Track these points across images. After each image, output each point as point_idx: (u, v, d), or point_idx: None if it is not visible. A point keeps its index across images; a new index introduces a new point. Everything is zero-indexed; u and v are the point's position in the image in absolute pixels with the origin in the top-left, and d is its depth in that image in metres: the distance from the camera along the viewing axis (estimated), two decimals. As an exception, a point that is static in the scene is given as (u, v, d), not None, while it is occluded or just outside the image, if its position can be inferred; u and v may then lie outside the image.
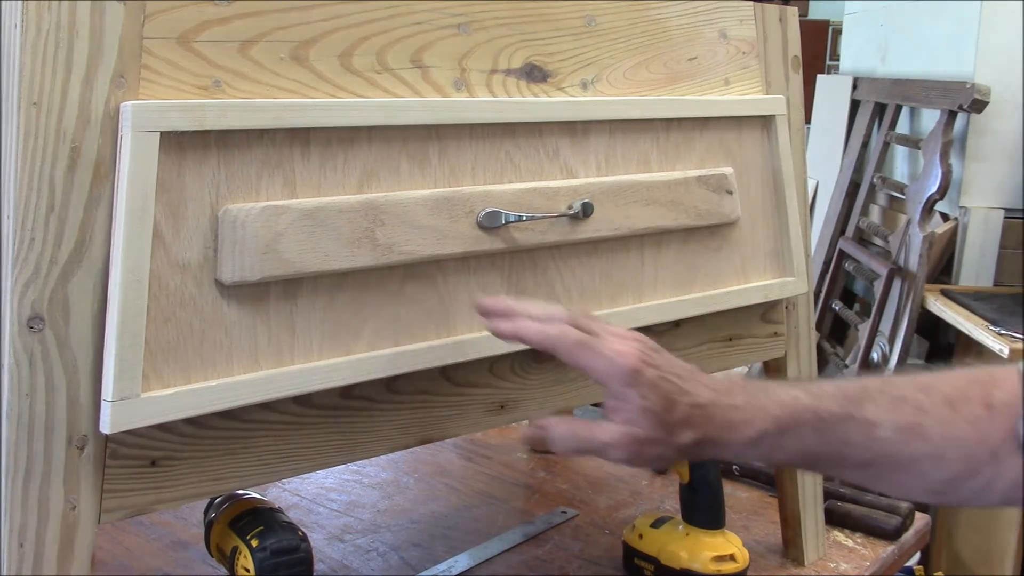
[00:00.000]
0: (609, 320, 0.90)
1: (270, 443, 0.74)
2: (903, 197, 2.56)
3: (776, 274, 1.06)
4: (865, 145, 2.95)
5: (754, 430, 0.70)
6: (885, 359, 2.37)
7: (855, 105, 3.10)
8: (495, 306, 0.76)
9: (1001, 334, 1.98)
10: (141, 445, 0.68)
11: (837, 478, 0.73)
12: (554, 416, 0.75)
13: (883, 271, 2.46)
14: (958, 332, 2.21)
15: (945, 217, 2.46)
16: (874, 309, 2.47)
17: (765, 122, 1.04)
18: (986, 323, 2.05)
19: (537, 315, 0.74)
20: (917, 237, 2.35)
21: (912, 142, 2.64)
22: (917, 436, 0.68)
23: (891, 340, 2.37)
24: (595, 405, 1.03)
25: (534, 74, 0.87)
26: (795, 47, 1.09)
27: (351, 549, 1.18)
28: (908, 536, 1.24)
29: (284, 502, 1.28)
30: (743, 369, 3.04)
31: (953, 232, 2.41)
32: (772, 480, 1.34)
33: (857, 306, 2.96)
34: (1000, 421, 0.66)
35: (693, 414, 0.70)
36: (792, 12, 1.09)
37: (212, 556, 0.87)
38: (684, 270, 0.97)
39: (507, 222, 0.81)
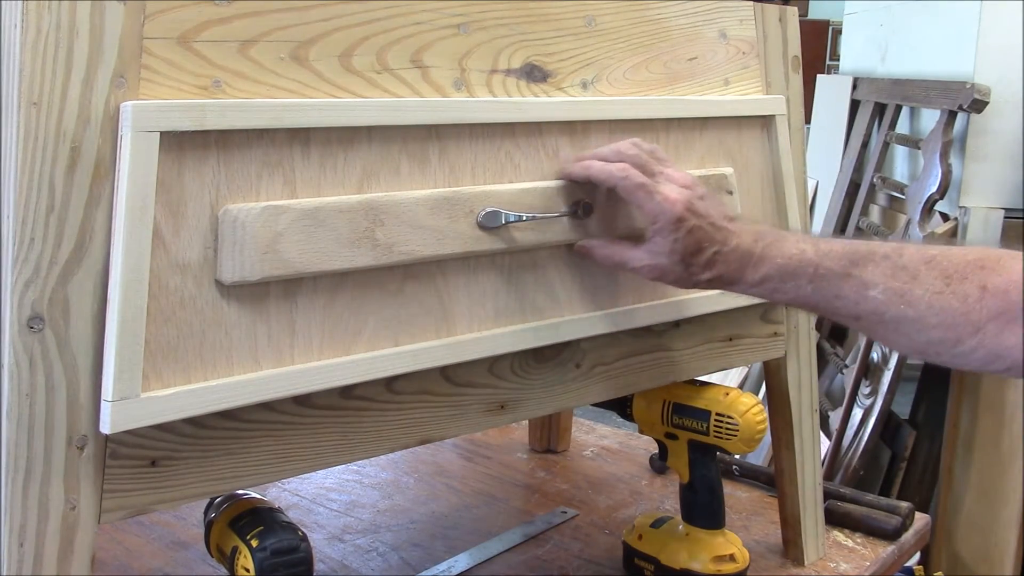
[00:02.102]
0: (610, 319, 0.90)
1: (270, 443, 0.74)
2: (903, 197, 2.56)
3: (776, 274, 1.06)
4: (865, 145, 2.95)
5: (760, 274, 0.83)
6: (885, 359, 2.37)
7: (855, 105, 3.10)
8: (567, 157, 0.88)
9: (1001, 334, 1.97)
10: (141, 445, 0.68)
11: (837, 322, 0.83)
12: (597, 240, 0.88)
13: (883, 271, 2.46)
14: (958, 332, 2.21)
15: (945, 217, 2.46)
16: (874, 309, 2.47)
17: (765, 122, 1.04)
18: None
19: (605, 155, 0.86)
20: (917, 237, 2.35)
21: (912, 142, 2.64)
22: (904, 301, 0.77)
23: (891, 340, 2.36)
24: (595, 405, 1.03)
25: (534, 74, 0.87)
26: (795, 47, 1.09)
27: (351, 549, 1.18)
28: (908, 536, 1.24)
29: (284, 502, 1.28)
30: (743, 370, 3.02)
31: (953, 232, 2.41)
32: (772, 480, 1.34)
33: (857, 306, 2.95)
34: (990, 302, 0.73)
35: (715, 258, 0.84)
36: (792, 12, 1.09)
37: (212, 556, 0.87)
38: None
39: (507, 222, 0.81)
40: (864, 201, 2.85)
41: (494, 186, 0.82)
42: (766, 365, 1.14)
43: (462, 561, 1.15)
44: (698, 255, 0.83)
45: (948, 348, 0.75)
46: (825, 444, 2.44)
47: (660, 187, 0.84)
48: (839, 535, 1.23)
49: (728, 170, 1.00)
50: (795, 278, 0.82)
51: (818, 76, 3.46)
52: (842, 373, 2.65)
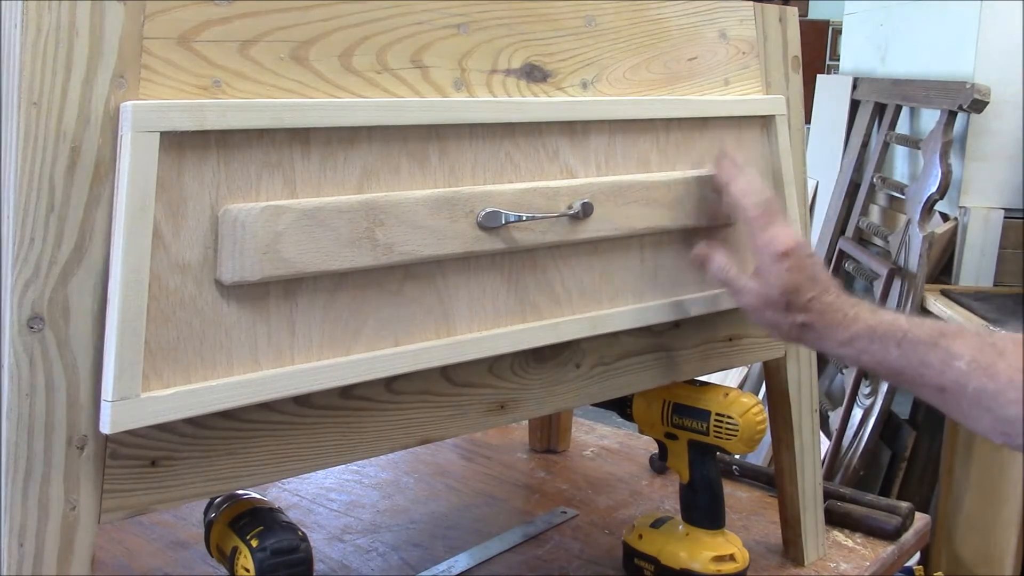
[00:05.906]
0: (610, 319, 0.91)
1: (270, 443, 0.74)
2: (903, 197, 2.56)
3: (776, 274, 1.05)
4: (865, 145, 2.95)
5: (849, 333, 0.86)
6: (885, 359, 2.37)
7: (855, 105, 3.10)
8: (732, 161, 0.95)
9: (1001, 334, 1.98)
10: (141, 445, 0.68)
11: (923, 399, 0.86)
12: (720, 251, 0.94)
13: (883, 271, 2.46)
14: (958, 332, 2.21)
15: (945, 217, 2.46)
16: (874, 309, 2.47)
17: (765, 122, 1.04)
18: (986, 323, 2.05)
19: (750, 180, 0.93)
20: (917, 237, 2.35)
21: (912, 142, 2.64)
22: (987, 374, 0.76)
23: (891, 340, 2.36)
24: (595, 405, 1.03)
25: (534, 74, 0.87)
26: (795, 47, 1.09)
27: (351, 549, 1.18)
28: (908, 536, 1.24)
29: (284, 502, 1.28)
30: (742, 370, 3.02)
31: (953, 232, 2.41)
32: (772, 480, 1.34)
33: (857, 306, 2.95)
34: None
35: (811, 305, 0.88)
36: (792, 12, 1.09)
37: (212, 556, 0.87)
38: (684, 270, 0.97)
39: (507, 222, 0.81)
40: (864, 201, 2.85)
41: (494, 186, 0.82)
42: (766, 365, 1.14)
43: (462, 561, 1.15)
44: (798, 294, 0.87)
45: None
46: (825, 444, 2.44)
47: (776, 224, 0.90)
48: (839, 535, 1.23)
49: (728, 170, 1.00)
50: (883, 341, 0.83)
51: (818, 76, 3.46)
52: (842, 373, 2.65)
